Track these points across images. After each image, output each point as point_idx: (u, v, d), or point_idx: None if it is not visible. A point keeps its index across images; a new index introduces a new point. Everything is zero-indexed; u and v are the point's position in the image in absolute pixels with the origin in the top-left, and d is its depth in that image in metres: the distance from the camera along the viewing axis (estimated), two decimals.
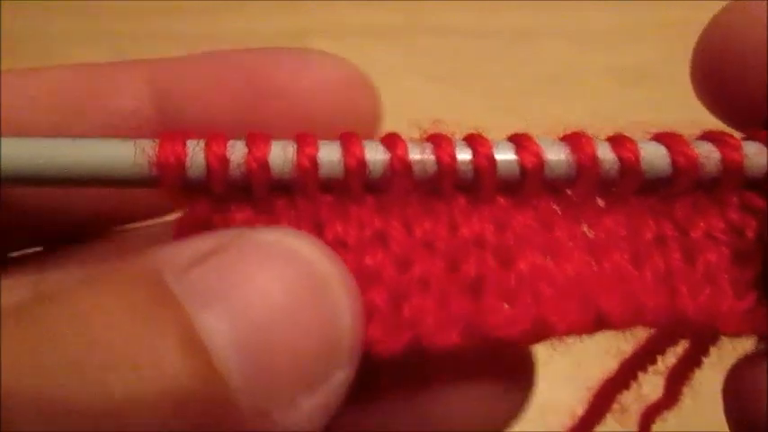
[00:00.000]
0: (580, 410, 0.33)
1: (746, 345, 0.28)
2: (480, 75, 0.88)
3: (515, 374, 0.29)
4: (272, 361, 0.20)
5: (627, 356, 0.31)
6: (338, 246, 0.24)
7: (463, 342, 0.24)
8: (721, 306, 0.25)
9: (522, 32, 0.91)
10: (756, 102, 0.26)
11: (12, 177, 0.24)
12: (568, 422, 0.34)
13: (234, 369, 0.19)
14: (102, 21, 0.91)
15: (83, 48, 0.87)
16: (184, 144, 0.24)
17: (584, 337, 0.26)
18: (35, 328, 0.19)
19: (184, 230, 0.25)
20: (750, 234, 0.26)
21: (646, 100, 0.83)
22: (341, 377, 0.22)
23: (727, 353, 0.29)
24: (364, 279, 0.24)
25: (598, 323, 0.25)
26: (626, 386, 0.32)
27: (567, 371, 0.30)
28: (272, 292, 0.20)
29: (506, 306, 0.25)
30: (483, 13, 0.92)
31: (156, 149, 0.24)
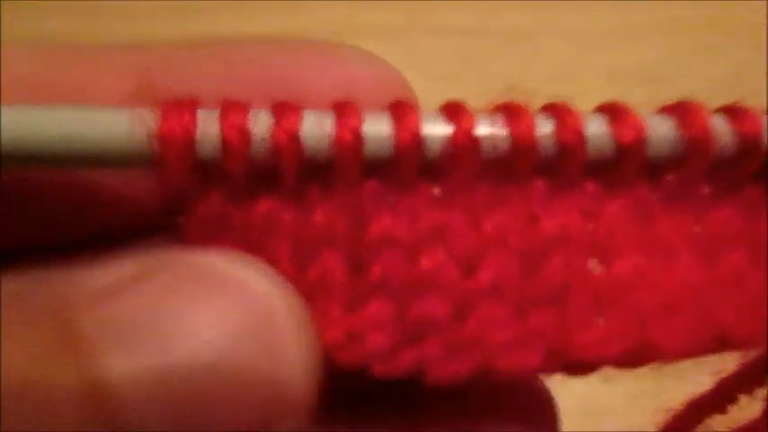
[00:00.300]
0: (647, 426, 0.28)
1: None
2: (480, 75, 0.88)
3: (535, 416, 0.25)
4: (197, 415, 0.16)
5: (727, 375, 0.26)
6: (386, 244, 0.20)
7: (543, 366, 0.20)
8: None
9: (522, 32, 0.91)
10: None
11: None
12: None
13: (146, 424, 0.16)
14: (102, 21, 0.91)
15: None
16: (194, 114, 0.19)
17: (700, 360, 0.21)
18: None
19: (196, 229, 0.20)
20: None
21: (646, 100, 0.83)
22: (288, 428, 0.18)
23: None
24: (419, 285, 0.20)
25: (719, 343, 0.20)
26: (722, 410, 0.26)
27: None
28: (204, 332, 0.16)
29: (600, 321, 0.20)
30: (483, 13, 0.92)
31: (159, 120, 0.19)
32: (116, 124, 0.19)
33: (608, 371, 0.26)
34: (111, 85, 0.23)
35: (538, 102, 0.24)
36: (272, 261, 0.20)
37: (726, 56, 0.85)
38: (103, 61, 0.23)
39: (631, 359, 0.20)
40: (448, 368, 0.19)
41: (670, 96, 0.29)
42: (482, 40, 0.91)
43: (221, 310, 0.17)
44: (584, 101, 0.29)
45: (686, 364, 0.26)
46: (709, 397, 0.26)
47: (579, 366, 0.20)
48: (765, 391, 0.25)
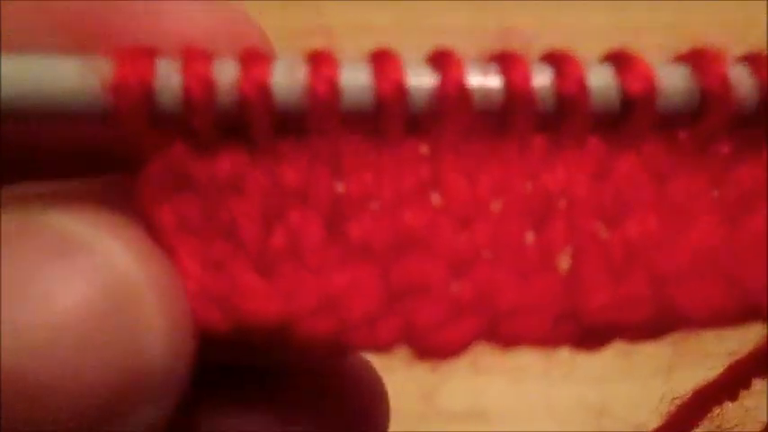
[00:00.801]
0: (659, 421, 0.27)
1: None
2: None
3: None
4: (42, 396, 0.15)
5: (739, 359, 0.24)
6: (366, 202, 0.18)
7: (554, 334, 0.18)
8: None
9: (522, 32, 0.91)
10: None
11: None
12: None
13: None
14: None
15: None
16: (152, 62, 0.17)
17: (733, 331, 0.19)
18: None
19: (154, 182, 0.18)
20: None
21: None
22: (146, 414, 0.17)
23: None
24: (406, 246, 0.18)
25: (744, 311, 0.18)
26: (732, 397, 0.25)
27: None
28: (54, 303, 0.15)
29: (613, 286, 0.18)
30: (483, 13, 0.92)
31: (114, 69, 0.17)
32: (66, 73, 0.17)
33: (607, 372, 0.25)
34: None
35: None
36: (235, 222, 0.18)
37: None
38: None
39: (651, 326, 0.18)
40: (441, 337, 0.17)
41: None
42: (482, 41, 0.91)
43: (68, 279, 0.16)
44: None
45: (684, 367, 0.26)
46: (718, 384, 0.25)
47: (592, 335, 0.18)
48: None
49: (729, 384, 0.25)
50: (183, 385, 0.17)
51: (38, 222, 0.16)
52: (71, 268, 0.16)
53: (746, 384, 0.24)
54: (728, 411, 0.25)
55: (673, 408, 0.26)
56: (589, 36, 0.94)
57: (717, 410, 0.25)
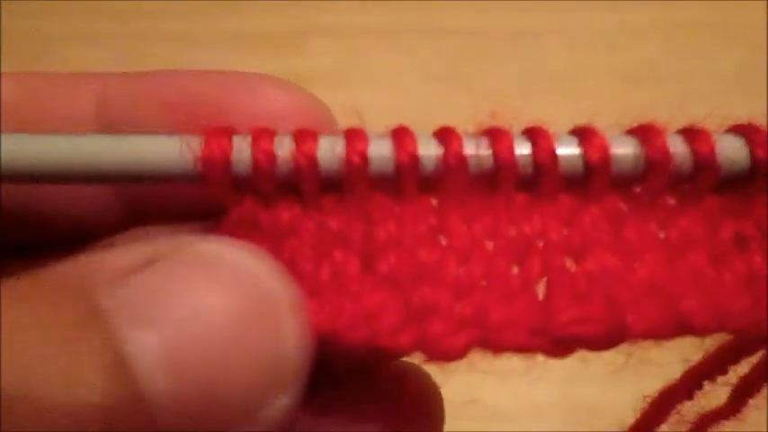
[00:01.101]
0: (632, 417, 0.31)
1: None
2: (480, 75, 0.88)
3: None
4: (206, 383, 0.18)
5: (694, 365, 0.28)
6: (392, 245, 0.23)
7: (530, 343, 0.22)
8: None
9: (522, 32, 0.91)
10: None
11: (64, 174, 0.23)
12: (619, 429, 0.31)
13: (162, 390, 0.18)
14: (102, 21, 0.91)
15: (82, 48, 0.87)
16: (230, 139, 0.23)
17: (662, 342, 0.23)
18: None
19: (231, 230, 0.24)
20: None
21: (646, 100, 0.83)
22: (283, 404, 0.20)
23: None
24: (421, 277, 0.23)
25: (679, 327, 0.23)
26: (690, 396, 0.29)
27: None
28: (210, 310, 0.19)
29: (576, 307, 0.23)
30: (483, 13, 0.92)
31: (202, 145, 0.23)
32: (168, 148, 0.23)
33: (606, 372, 0.27)
34: (77, 107, 0.28)
35: (537, 102, 0.25)
36: (294, 258, 0.23)
37: (726, 56, 0.85)
38: (69, 86, 0.28)
39: (603, 339, 0.23)
40: (446, 344, 0.22)
41: (670, 96, 0.29)
42: (482, 40, 0.91)
43: (222, 290, 0.19)
44: (584, 101, 0.28)
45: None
46: (678, 385, 0.29)
47: (559, 345, 0.23)
48: (730, 378, 0.28)
49: (687, 387, 0.29)
50: (305, 381, 0.21)
51: (189, 246, 0.20)
52: (221, 282, 0.19)
53: (700, 387, 0.29)
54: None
55: (642, 406, 0.30)
56: (589, 36, 0.94)
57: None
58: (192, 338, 0.18)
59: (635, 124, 0.24)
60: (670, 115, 0.28)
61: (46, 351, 0.17)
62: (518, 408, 0.68)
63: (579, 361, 0.25)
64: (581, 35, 0.91)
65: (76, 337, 0.18)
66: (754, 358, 0.27)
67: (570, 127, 0.25)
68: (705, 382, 0.29)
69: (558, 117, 0.25)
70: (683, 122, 0.27)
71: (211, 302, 0.19)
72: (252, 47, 0.89)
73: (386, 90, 0.86)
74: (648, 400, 0.30)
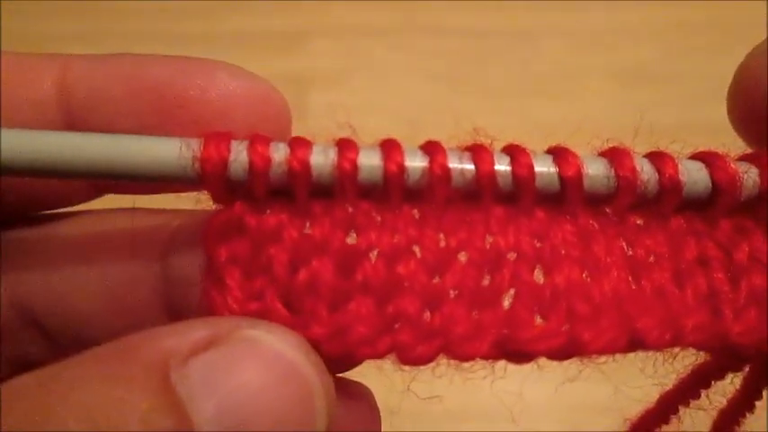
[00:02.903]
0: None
1: None
2: (480, 75, 0.88)
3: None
4: None
5: (669, 389, 0.30)
6: (370, 254, 0.25)
7: (491, 353, 0.24)
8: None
9: (522, 32, 0.91)
10: None
11: (69, 171, 0.24)
12: None
13: None
14: (102, 21, 0.91)
15: (82, 48, 0.86)
16: (228, 143, 0.24)
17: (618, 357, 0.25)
18: (37, 411, 0.21)
19: (218, 230, 0.25)
20: None
21: (646, 100, 0.83)
22: None
23: None
24: (395, 287, 0.24)
25: (633, 344, 0.24)
26: (666, 421, 0.31)
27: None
28: (257, 391, 0.23)
29: (539, 320, 0.24)
30: (483, 13, 0.93)
31: (201, 147, 0.24)
32: (168, 150, 0.24)
33: (602, 373, 0.28)
34: (38, 88, 0.28)
35: (537, 102, 0.26)
36: (271, 263, 0.25)
37: (726, 56, 0.85)
38: (30, 68, 0.29)
39: (560, 353, 0.24)
40: (415, 353, 0.24)
41: (669, 96, 0.29)
42: (482, 40, 0.91)
43: (264, 372, 0.23)
44: (584, 101, 0.29)
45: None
46: (654, 410, 0.31)
47: (519, 356, 0.24)
48: (705, 403, 0.30)
49: (661, 411, 0.31)
50: None
51: (240, 331, 0.24)
52: (261, 364, 0.23)
53: (675, 411, 0.30)
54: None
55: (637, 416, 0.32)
56: (588, 36, 0.94)
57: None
58: (241, 413, 0.22)
59: (605, 148, 0.26)
60: (669, 115, 0.28)
61: (134, 430, 0.21)
62: (516, 408, 0.68)
63: (577, 362, 0.26)
64: (580, 35, 0.91)
65: (157, 420, 0.22)
66: (728, 382, 0.29)
67: (568, 127, 0.27)
68: (680, 407, 0.30)
69: (557, 117, 0.26)
70: (681, 123, 0.27)
71: (257, 384, 0.23)
72: (252, 47, 0.89)
73: (386, 90, 0.86)
74: (628, 423, 0.31)
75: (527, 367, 0.26)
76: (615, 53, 0.89)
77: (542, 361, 0.25)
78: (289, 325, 0.24)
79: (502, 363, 0.25)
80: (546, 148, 0.26)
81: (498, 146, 0.26)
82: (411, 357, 0.24)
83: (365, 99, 0.85)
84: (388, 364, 0.25)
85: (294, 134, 0.27)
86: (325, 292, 0.24)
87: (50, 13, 0.91)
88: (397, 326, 0.24)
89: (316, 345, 0.24)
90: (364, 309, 0.24)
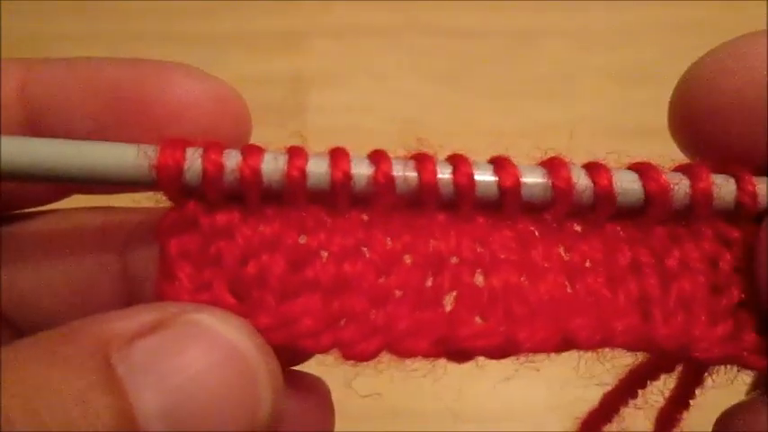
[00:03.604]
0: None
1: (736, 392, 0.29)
2: (480, 75, 0.88)
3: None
4: (195, 430, 0.23)
5: (609, 389, 0.32)
6: (320, 254, 0.26)
7: (431, 351, 0.25)
8: (694, 332, 0.26)
9: (522, 32, 0.91)
10: (727, 143, 0.27)
11: (32, 175, 0.26)
12: None
13: None
14: (102, 21, 0.91)
15: (83, 48, 0.86)
16: (184, 150, 0.25)
17: (552, 356, 0.26)
18: None
19: (170, 227, 0.27)
20: (724, 265, 0.27)
21: (646, 100, 0.83)
22: None
23: (716, 396, 0.29)
24: (343, 285, 0.26)
25: (565, 343, 0.26)
26: (609, 419, 0.32)
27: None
28: (198, 373, 0.23)
29: (478, 320, 0.26)
30: (483, 13, 0.93)
31: (157, 154, 0.25)
32: (126, 155, 0.25)
33: (600, 375, 0.30)
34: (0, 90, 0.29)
35: (537, 102, 0.27)
36: (222, 255, 0.26)
37: None
38: None
39: (497, 351, 0.26)
40: (358, 348, 0.25)
41: (669, 96, 0.29)
42: (482, 40, 0.91)
43: (207, 352, 0.23)
44: (584, 101, 0.29)
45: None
46: (599, 410, 0.32)
47: (458, 354, 0.26)
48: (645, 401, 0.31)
49: (604, 411, 0.32)
50: (279, 416, 0.25)
51: (185, 315, 0.24)
52: (204, 346, 0.24)
53: (617, 410, 0.32)
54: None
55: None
56: (588, 36, 0.94)
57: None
58: (184, 395, 0.23)
59: (545, 158, 0.27)
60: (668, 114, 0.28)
61: (68, 409, 0.22)
62: (513, 409, 0.68)
63: (576, 363, 0.28)
64: (580, 36, 0.91)
65: (94, 398, 0.22)
66: (662, 383, 0.30)
67: (568, 127, 0.27)
68: (621, 406, 0.32)
69: (557, 117, 0.26)
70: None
71: (200, 366, 0.23)
72: (252, 47, 0.89)
73: (386, 90, 0.86)
74: (578, 422, 0.33)
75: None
76: (615, 53, 0.89)
77: (482, 361, 0.26)
78: (236, 312, 0.25)
79: (442, 362, 0.26)
80: (487, 158, 0.27)
81: (443, 154, 0.27)
82: (354, 353, 0.25)
83: (365, 99, 0.85)
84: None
85: (294, 134, 0.28)
86: (274, 284, 0.26)
87: (50, 13, 0.91)
88: (342, 322, 0.25)
89: (261, 333, 0.25)
90: (312, 303, 0.26)
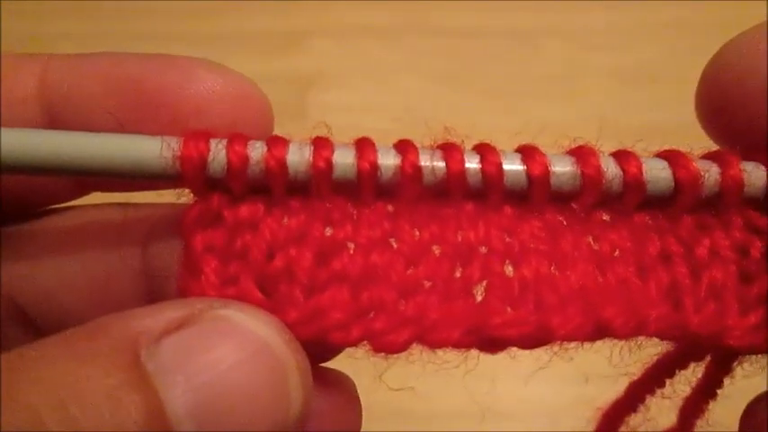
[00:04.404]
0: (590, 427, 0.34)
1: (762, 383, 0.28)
2: (480, 75, 0.88)
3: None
4: (224, 427, 0.23)
5: (635, 378, 0.31)
6: (347, 245, 0.25)
7: (463, 341, 0.25)
8: (726, 320, 0.26)
9: (522, 32, 0.91)
10: (756, 131, 0.27)
11: (55, 168, 0.25)
12: None
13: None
14: (102, 21, 0.91)
15: (83, 48, 0.86)
16: (208, 142, 0.25)
17: (586, 344, 0.26)
18: (2, 389, 0.21)
19: (195, 221, 0.26)
20: (755, 253, 0.27)
21: (646, 100, 0.83)
22: None
23: (743, 388, 0.29)
24: (371, 277, 0.25)
25: (599, 331, 0.25)
26: (634, 409, 0.32)
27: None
28: (229, 368, 0.23)
29: (509, 310, 0.25)
30: (483, 13, 0.93)
31: (181, 146, 0.25)
32: (150, 148, 0.25)
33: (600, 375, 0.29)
34: (19, 86, 0.29)
35: (537, 102, 0.27)
36: (248, 249, 0.26)
37: None
38: (11, 66, 0.29)
39: (531, 340, 0.25)
40: (388, 339, 0.25)
41: (669, 96, 0.29)
42: (482, 40, 0.91)
43: (237, 349, 0.23)
44: (584, 101, 0.29)
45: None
46: (623, 399, 0.32)
47: (490, 343, 0.25)
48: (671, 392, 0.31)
49: (631, 399, 0.32)
50: (309, 412, 0.25)
51: (212, 311, 0.24)
52: (238, 346, 0.23)
53: (643, 399, 0.32)
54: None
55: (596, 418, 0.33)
56: (588, 36, 0.94)
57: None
58: (213, 392, 0.22)
59: (572, 146, 0.27)
60: (669, 115, 0.29)
61: (99, 406, 0.21)
62: (526, 408, 0.68)
63: (588, 362, 0.28)
64: (580, 35, 0.91)
65: (124, 396, 0.22)
66: (690, 372, 0.30)
67: (567, 127, 0.27)
68: (647, 396, 0.32)
69: (557, 117, 0.27)
70: (681, 122, 0.27)
71: (229, 363, 0.23)
72: (252, 47, 0.89)
73: (386, 90, 0.86)
74: (600, 411, 0.33)
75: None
76: (615, 53, 0.89)
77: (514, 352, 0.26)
78: (264, 308, 0.25)
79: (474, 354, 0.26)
80: (516, 147, 0.27)
81: (470, 144, 0.27)
82: (384, 344, 0.25)
83: (365, 99, 0.85)
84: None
85: (294, 134, 0.27)
86: (301, 277, 0.25)
87: (50, 13, 0.91)
88: (371, 314, 0.25)
89: (290, 328, 0.25)
90: (340, 296, 0.25)
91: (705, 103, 0.28)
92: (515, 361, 0.26)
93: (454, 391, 0.67)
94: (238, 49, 0.88)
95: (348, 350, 0.26)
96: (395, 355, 0.25)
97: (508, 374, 0.71)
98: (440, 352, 0.26)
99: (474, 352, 0.26)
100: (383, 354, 0.25)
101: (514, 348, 0.26)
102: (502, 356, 0.26)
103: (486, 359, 0.26)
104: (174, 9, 0.92)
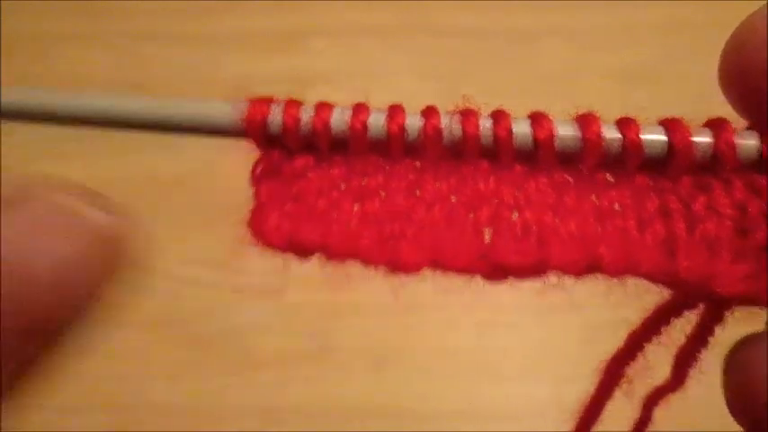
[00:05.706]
0: (591, 387, 0.35)
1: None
2: (480, 75, 0.88)
3: None
4: (61, 296, 0.23)
5: (634, 328, 0.33)
6: (378, 191, 0.30)
7: (472, 265, 0.28)
8: (716, 266, 0.28)
9: (522, 32, 0.91)
10: None
11: (148, 126, 0.30)
12: (580, 399, 0.36)
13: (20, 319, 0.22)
14: (102, 21, 0.91)
15: (83, 48, 0.87)
16: (269, 105, 0.30)
17: (581, 279, 0.28)
18: None
19: (260, 172, 0.31)
20: (753, 210, 0.28)
21: (646, 100, 0.83)
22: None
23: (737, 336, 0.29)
24: (397, 216, 0.30)
25: (591, 267, 0.28)
26: (633, 358, 0.34)
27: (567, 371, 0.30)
28: (53, 246, 0.23)
29: (514, 243, 0.29)
30: (483, 13, 0.93)
31: (248, 108, 0.30)
32: (222, 109, 0.30)
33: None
34: None
35: (537, 102, 0.31)
36: (299, 194, 0.30)
37: None
38: None
39: (530, 269, 0.28)
40: (405, 259, 0.28)
41: (669, 96, 0.29)
42: (482, 40, 0.91)
43: (66, 231, 0.24)
44: (584, 101, 0.30)
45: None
46: (623, 349, 0.34)
47: (495, 269, 0.28)
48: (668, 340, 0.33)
49: (629, 349, 0.34)
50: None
51: (41, 194, 0.24)
52: (65, 227, 0.24)
53: (641, 348, 0.34)
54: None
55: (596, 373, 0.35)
56: (588, 36, 0.94)
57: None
58: (39, 270, 0.23)
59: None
60: (669, 115, 0.29)
61: None
62: (526, 408, 0.68)
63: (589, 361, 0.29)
64: (580, 35, 0.91)
65: None
66: (685, 322, 0.32)
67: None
68: (645, 344, 0.34)
69: (556, 117, 0.29)
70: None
71: (53, 240, 0.23)
72: (252, 47, 0.89)
73: (386, 90, 0.86)
74: (602, 365, 0.35)
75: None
76: (615, 53, 0.89)
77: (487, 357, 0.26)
78: (314, 233, 0.29)
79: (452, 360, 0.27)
80: (527, 113, 0.30)
81: (487, 111, 0.31)
82: (401, 263, 0.29)
83: (365, 99, 0.85)
84: None
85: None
86: (344, 216, 0.30)
87: (50, 13, 0.91)
88: (394, 242, 0.29)
89: (329, 248, 0.29)
90: (370, 230, 0.29)
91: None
92: (515, 361, 0.27)
93: (454, 391, 0.67)
94: (238, 49, 0.88)
95: (348, 358, 0.28)
96: (408, 275, 0.28)
97: (509, 374, 0.71)
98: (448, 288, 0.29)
99: (480, 351, 0.27)
100: (400, 272, 0.29)
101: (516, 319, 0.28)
102: (502, 356, 0.27)
103: (487, 359, 0.27)
104: (173, 9, 0.92)
